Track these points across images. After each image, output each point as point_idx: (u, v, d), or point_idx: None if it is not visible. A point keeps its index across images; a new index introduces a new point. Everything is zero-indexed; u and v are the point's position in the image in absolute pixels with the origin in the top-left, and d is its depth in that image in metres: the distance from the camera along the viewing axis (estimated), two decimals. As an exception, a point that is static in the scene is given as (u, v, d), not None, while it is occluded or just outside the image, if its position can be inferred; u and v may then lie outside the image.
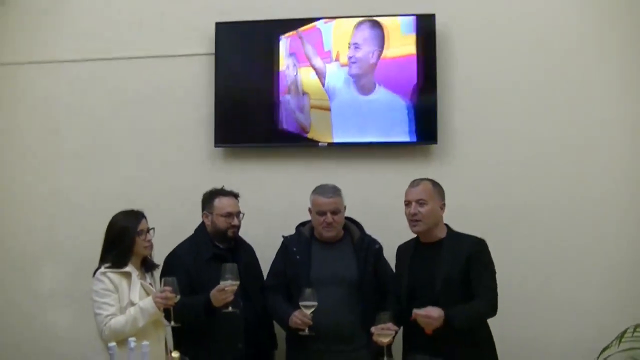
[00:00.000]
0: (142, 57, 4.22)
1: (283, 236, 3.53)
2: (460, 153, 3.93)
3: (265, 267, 3.57)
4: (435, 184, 3.16)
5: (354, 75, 3.95)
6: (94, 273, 3.11)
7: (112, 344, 2.56)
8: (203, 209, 3.50)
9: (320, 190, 3.40)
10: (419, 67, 3.88)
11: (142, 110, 4.22)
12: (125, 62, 4.24)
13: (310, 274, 3.32)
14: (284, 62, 4.03)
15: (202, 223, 3.50)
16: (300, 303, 3.12)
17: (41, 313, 4.25)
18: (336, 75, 3.97)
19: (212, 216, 3.44)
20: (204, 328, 3.23)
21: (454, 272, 3.01)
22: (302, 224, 3.54)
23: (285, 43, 4.02)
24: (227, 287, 3.07)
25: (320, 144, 3.99)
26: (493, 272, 3.07)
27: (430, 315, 2.86)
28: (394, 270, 3.37)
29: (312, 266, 3.35)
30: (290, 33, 4.01)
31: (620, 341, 3.35)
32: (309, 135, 4.01)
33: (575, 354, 3.64)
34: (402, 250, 3.29)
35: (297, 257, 3.38)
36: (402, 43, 3.90)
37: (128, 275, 3.09)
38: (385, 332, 2.93)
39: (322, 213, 3.35)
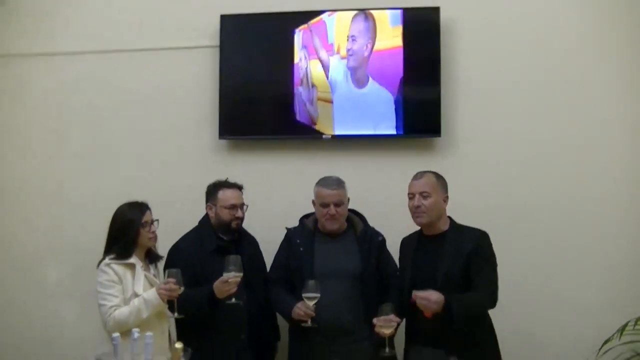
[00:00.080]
0: (147, 50, 4.22)
1: (286, 228, 3.53)
2: (460, 152, 3.94)
3: (268, 259, 3.56)
4: (438, 177, 3.16)
5: (351, 67, 3.95)
6: (98, 264, 3.12)
7: (116, 334, 2.58)
8: (207, 201, 3.50)
9: (323, 182, 3.39)
10: (405, 60, 3.87)
11: (145, 105, 4.21)
12: (128, 56, 4.23)
13: (314, 266, 3.31)
14: (298, 55, 4.02)
15: (206, 215, 3.50)
16: (303, 294, 3.13)
17: (41, 313, 4.24)
18: (337, 68, 3.97)
19: (215, 208, 3.44)
20: (207, 320, 3.22)
21: (455, 265, 3.02)
22: (306, 216, 3.53)
23: (299, 36, 4.00)
24: (230, 279, 3.07)
25: (324, 136, 3.98)
26: (494, 265, 3.07)
27: (429, 297, 2.86)
28: (396, 262, 3.38)
29: (315, 258, 3.34)
30: (304, 26, 3.99)
31: (621, 334, 3.38)
32: (317, 128, 4.00)
33: (576, 354, 3.63)
34: (405, 243, 3.29)
35: (301, 249, 3.37)
36: (391, 35, 3.90)
37: (132, 266, 3.10)
38: (387, 324, 2.93)
39: (325, 205, 3.34)
